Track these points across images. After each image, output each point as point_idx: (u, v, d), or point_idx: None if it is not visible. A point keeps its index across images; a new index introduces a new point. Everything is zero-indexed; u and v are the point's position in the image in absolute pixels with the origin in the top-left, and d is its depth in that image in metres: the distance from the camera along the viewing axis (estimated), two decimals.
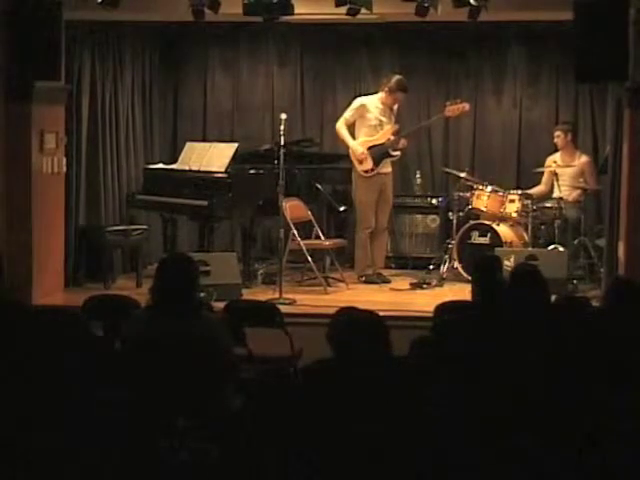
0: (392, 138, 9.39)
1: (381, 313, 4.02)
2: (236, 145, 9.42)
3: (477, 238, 9.50)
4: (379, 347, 3.77)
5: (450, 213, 9.90)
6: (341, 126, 9.44)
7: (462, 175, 9.77)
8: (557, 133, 9.87)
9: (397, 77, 9.40)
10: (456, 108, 9.52)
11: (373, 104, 9.41)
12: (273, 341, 6.30)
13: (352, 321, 3.85)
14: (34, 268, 8.34)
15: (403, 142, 9.50)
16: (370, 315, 3.93)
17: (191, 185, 9.27)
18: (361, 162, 9.33)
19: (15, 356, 3.95)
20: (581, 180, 9.61)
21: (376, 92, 9.52)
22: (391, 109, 9.47)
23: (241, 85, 11.15)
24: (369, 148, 9.32)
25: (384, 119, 9.42)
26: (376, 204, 9.40)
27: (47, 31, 7.93)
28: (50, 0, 7.99)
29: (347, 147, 9.42)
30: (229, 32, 10.68)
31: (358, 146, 9.33)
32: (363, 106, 9.39)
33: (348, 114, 9.43)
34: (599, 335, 4.47)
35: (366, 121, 9.38)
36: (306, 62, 11.05)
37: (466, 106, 9.56)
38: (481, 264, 5.81)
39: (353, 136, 9.42)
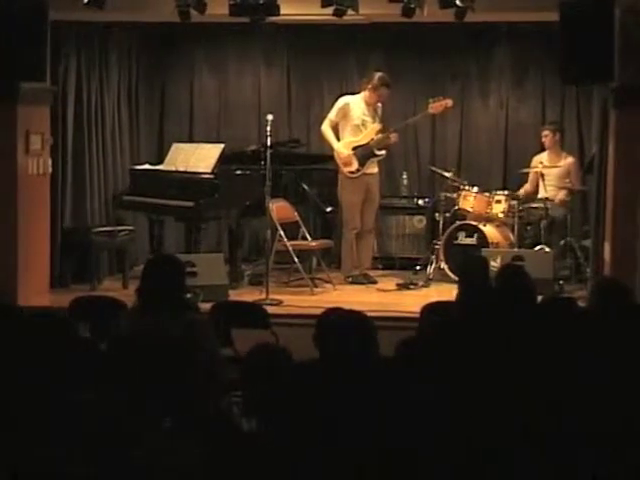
0: (375, 138, 9.39)
1: (368, 314, 4.02)
2: (222, 146, 9.42)
3: (464, 239, 9.51)
4: (366, 347, 3.77)
5: (437, 214, 9.92)
6: (326, 128, 9.44)
7: (447, 175, 9.79)
8: (545, 133, 9.89)
9: (379, 74, 9.40)
10: (439, 105, 9.52)
11: (357, 103, 9.41)
12: (260, 342, 6.28)
13: (339, 321, 3.85)
14: (19, 269, 8.30)
15: (394, 137, 9.52)
16: (357, 315, 3.93)
17: (177, 186, 9.25)
18: (346, 164, 9.33)
19: (1, 357, 3.94)
20: (567, 180, 9.63)
21: (359, 92, 9.53)
22: (375, 108, 9.47)
23: (228, 86, 11.15)
24: (353, 149, 9.33)
25: (367, 118, 9.42)
26: (362, 205, 9.41)
27: (33, 32, 7.89)
28: (36, 0, 7.95)
29: (332, 149, 9.43)
30: (215, 33, 10.67)
31: (343, 148, 9.32)
32: (347, 105, 9.39)
33: (332, 114, 9.44)
34: (585, 335, 4.48)
35: (350, 120, 9.38)
36: (293, 63, 11.06)
37: (449, 102, 9.55)
38: (468, 265, 5.82)
39: (338, 136, 9.43)
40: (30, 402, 3.63)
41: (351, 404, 3.59)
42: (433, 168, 10.24)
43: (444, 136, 10.90)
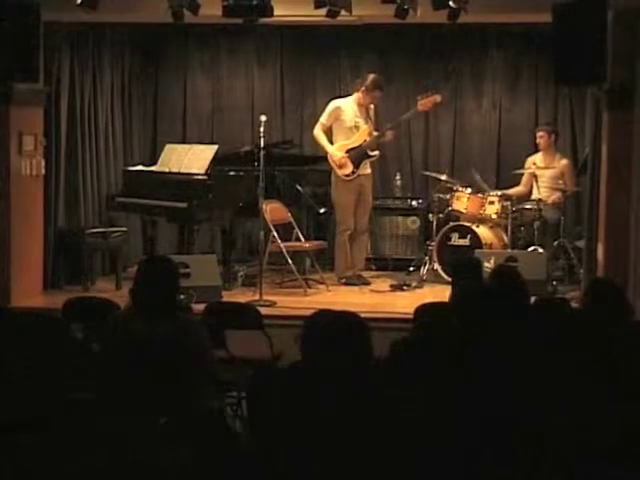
0: (369, 139, 9.40)
1: (361, 315, 4.01)
2: (216, 147, 9.41)
3: (457, 240, 9.52)
4: (359, 348, 3.77)
5: (430, 215, 9.94)
6: (318, 132, 9.43)
7: (442, 178, 9.79)
8: (540, 134, 9.88)
9: (373, 75, 9.40)
10: (428, 101, 9.50)
11: (348, 106, 9.41)
12: (253, 343, 6.30)
13: (330, 322, 3.84)
14: (13, 270, 8.31)
15: (390, 134, 9.51)
16: (350, 316, 3.92)
17: (171, 187, 9.25)
18: (341, 167, 9.33)
19: None
20: (560, 182, 9.63)
21: (352, 94, 9.53)
22: (367, 110, 9.47)
23: (221, 87, 11.15)
24: (347, 151, 9.32)
25: (360, 120, 9.41)
26: (355, 206, 9.41)
27: (26, 33, 7.87)
28: (29, 1, 7.94)
29: (326, 153, 9.42)
30: (209, 34, 10.67)
31: (337, 151, 9.33)
32: (338, 108, 9.39)
33: (324, 118, 9.44)
34: (578, 336, 4.48)
35: (342, 124, 9.38)
36: (286, 64, 11.06)
37: (437, 97, 9.53)
38: (461, 266, 5.82)
39: (331, 140, 9.42)
40: (24, 404, 3.62)
41: (345, 405, 3.59)
42: (427, 173, 10.25)
43: (437, 137, 10.91)
